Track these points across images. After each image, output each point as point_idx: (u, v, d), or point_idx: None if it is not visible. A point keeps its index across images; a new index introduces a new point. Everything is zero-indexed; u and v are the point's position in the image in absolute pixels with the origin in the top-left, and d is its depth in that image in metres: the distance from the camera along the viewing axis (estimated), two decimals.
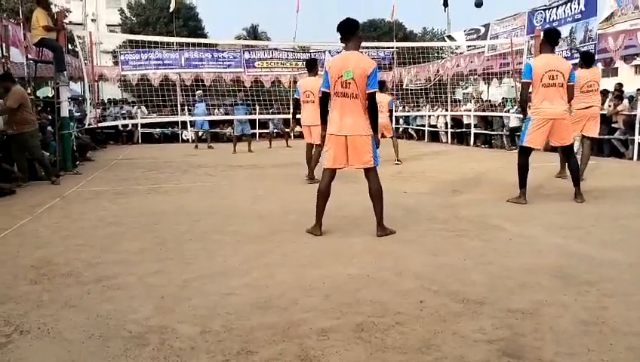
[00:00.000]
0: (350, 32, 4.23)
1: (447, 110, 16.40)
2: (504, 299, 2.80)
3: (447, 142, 15.89)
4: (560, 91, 5.42)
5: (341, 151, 4.25)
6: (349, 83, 4.10)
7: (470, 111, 15.08)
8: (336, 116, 4.21)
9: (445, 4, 20.43)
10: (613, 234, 4.26)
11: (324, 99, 4.37)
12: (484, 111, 14.89)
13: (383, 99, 10.35)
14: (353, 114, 4.16)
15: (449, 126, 16.05)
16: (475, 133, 14.76)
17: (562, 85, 5.41)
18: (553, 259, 3.53)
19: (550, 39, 5.60)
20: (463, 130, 15.44)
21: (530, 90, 5.52)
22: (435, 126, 16.98)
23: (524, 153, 5.67)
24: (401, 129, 18.44)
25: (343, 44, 4.30)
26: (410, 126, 18.23)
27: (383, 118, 10.22)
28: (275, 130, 16.96)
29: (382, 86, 11.02)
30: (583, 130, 7.10)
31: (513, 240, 4.08)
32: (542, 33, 11.62)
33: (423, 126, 17.30)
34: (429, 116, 17.00)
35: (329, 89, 4.25)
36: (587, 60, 7.20)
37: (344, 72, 4.10)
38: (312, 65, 7.85)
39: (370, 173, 4.25)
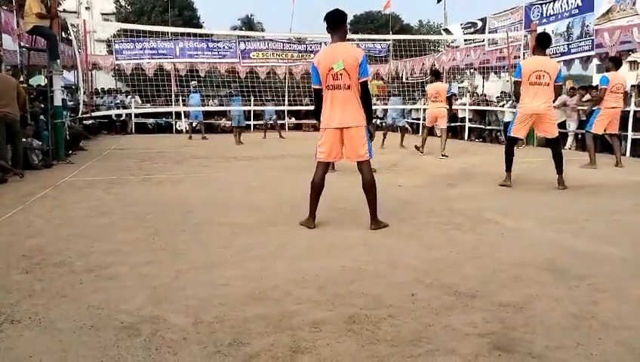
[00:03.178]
0: (338, 22, 4.19)
1: None
2: (496, 293, 2.81)
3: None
4: (545, 89, 5.98)
5: (336, 145, 4.23)
6: (341, 74, 4.07)
7: (465, 105, 15.09)
8: (329, 110, 4.18)
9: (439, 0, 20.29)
10: (607, 229, 4.28)
11: (318, 96, 4.30)
12: (478, 105, 14.90)
13: (440, 88, 10.24)
14: (347, 105, 4.13)
15: None
16: (469, 127, 14.76)
17: (548, 84, 5.96)
18: (546, 253, 3.54)
19: (541, 42, 6.21)
20: (458, 123, 15.45)
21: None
22: None
23: (511, 142, 6.49)
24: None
25: (330, 35, 4.25)
26: (406, 119, 18.20)
27: (441, 107, 10.11)
28: (270, 122, 16.93)
29: (438, 75, 10.81)
30: (608, 128, 8.19)
31: (506, 234, 4.09)
32: (537, 29, 11.64)
33: (418, 119, 17.28)
34: (425, 109, 16.97)
35: (320, 85, 4.21)
36: (617, 64, 8.23)
37: (334, 63, 4.06)
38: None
39: (364, 166, 4.24)
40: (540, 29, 12.30)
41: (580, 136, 11.42)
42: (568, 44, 11.76)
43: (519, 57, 12.80)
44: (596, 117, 8.10)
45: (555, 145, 6.25)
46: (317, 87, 4.26)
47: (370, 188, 4.23)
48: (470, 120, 14.81)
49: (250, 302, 2.71)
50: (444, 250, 3.65)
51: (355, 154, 4.22)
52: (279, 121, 17.52)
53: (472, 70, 18.74)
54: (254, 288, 2.90)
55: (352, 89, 4.11)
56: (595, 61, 11.95)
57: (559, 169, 6.12)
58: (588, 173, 7.56)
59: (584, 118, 10.97)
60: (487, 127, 14.09)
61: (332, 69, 4.08)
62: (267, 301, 2.72)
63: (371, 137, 4.28)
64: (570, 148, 11.57)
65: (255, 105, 17.34)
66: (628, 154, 9.96)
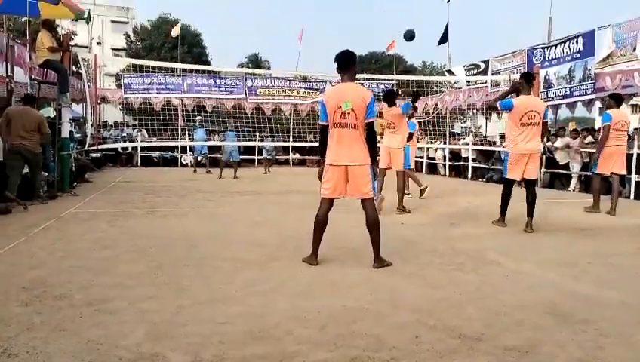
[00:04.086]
0: (347, 63, 4.30)
1: (445, 143, 16.54)
2: (500, 336, 2.78)
3: (445, 175, 15.96)
4: (537, 129, 6.07)
5: (340, 182, 4.26)
6: (348, 113, 4.15)
7: (468, 144, 15.21)
8: (335, 147, 4.23)
9: (444, 41, 20.59)
10: (609, 272, 4.25)
11: (324, 133, 4.36)
12: (482, 144, 15.00)
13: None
14: (352, 144, 4.19)
15: (447, 159, 16.15)
16: (472, 167, 14.84)
17: (538, 123, 6.06)
18: (548, 296, 3.51)
19: (527, 79, 6.26)
20: (461, 163, 15.53)
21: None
22: (433, 158, 17.10)
23: (508, 184, 6.41)
24: None
25: (340, 75, 4.37)
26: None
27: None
28: (269, 157, 17.18)
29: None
30: (614, 167, 7.70)
31: (510, 277, 4.06)
32: (539, 72, 11.72)
33: (422, 158, 17.40)
34: (427, 148, 17.14)
35: (327, 122, 4.28)
36: (617, 101, 7.82)
37: (343, 102, 4.15)
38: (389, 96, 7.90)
39: (368, 204, 4.26)
40: (542, 73, 12.53)
41: (583, 177, 11.44)
42: (570, 87, 11.93)
43: None
44: (599, 157, 7.73)
45: (532, 186, 6.25)
46: (324, 123, 4.31)
47: (374, 226, 4.24)
48: (474, 160, 14.89)
49: (250, 341, 2.67)
50: (447, 291, 3.62)
51: (358, 191, 4.25)
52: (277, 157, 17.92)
53: (474, 110, 18.94)
54: (255, 326, 2.87)
55: (358, 128, 4.18)
56: (598, 104, 12.08)
57: (530, 212, 6.08)
58: (590, 215, 7.55)
59: (587, 160, 11.01)
60: (492, 167, 14.13)
61: (340, 107, 4.16)
62: (268, 339, 2.69)
63: (375, 176, 4.32)
64: (574, 190, 11.57)
65: (260, 140, 17.61)
66: (632, 197, 9.94)
